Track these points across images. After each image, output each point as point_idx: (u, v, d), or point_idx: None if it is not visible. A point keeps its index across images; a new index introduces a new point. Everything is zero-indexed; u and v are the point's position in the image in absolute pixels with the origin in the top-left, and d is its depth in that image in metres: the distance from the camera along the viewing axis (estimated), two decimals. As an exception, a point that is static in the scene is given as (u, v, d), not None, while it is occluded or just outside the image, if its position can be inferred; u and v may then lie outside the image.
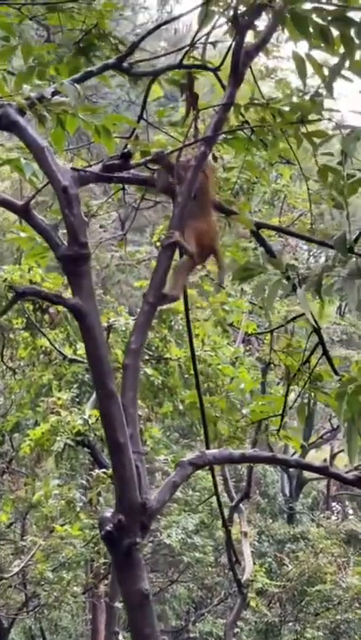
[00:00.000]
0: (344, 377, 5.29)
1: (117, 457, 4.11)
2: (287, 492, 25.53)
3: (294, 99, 4.64)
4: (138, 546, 4.09)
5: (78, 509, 14.51)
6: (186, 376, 13.17)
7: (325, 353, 5.73)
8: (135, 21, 24.86)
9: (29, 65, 4.74)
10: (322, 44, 4.30)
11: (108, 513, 4.19)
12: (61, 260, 4.12)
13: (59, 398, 13.55)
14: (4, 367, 14.67)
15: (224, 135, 4.91)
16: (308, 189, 5.32)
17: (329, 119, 4.50)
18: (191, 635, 22.15)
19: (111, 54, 5.19)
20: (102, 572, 17.58)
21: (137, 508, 4.09)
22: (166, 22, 5.77)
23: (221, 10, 4.44)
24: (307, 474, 23.44)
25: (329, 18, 4.23)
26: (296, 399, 6.42)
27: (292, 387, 8.23)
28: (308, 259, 23.51)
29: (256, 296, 4.68)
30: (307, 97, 4.55)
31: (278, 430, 6.77)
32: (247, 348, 19.36)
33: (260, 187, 13.96)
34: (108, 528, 4.10)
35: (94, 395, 13.95)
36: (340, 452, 24.91)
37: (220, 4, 4.45)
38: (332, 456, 25.62)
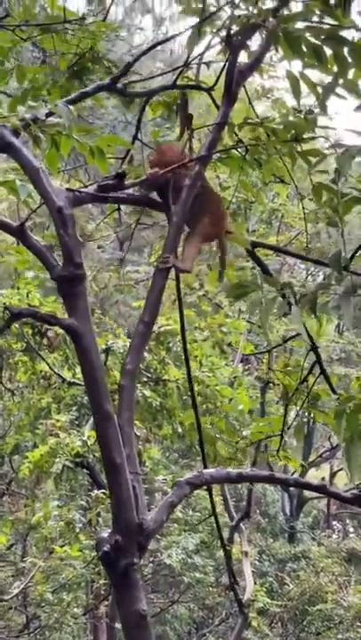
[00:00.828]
0: (342, 395, 5.29)
1: (114, 477, 4.12)
2: (288, 511, 25.47)
3: (290, 118, 4.65)
4: (135, 566, 4.09)
5: (78, 530, 14.49)
6: (184, 397, 13.17)
7: (323, 372, 5.72)
8: (131, 42, 24.99)
9: (24, 88, 4.77)
10: (315, 63, 4.31)
11: (106, 534, 4.18)
12: (57, 281, 4.13)
13: (58, 420, 13.57)
14: (3, 389, 14.68)
15: (219, 154, 4.93)
16: (304, 208, 5.33)
17: (324, 137, 4.52)
18: (193, 656, 22.07)
19: (105, 77, 5.21)
20: (103, 592, 17.50)
21: (134, 529, 4.09)
22: (159, 43, 5.77)
23: (214, 30, 4.46)
24: (307, 493, 23.37)
25: (322, 37, 4.25)
26: (295, 418, 6.41)
27: (290, 406, 8.22)
28: (305, 277, 23.54)
29: (251, 313, 4.69)
30: (301, 115, 4.57)
31: (278, 450, 6.75)
32: (246, 367, 19.37)
33: (257, 206, 14.03)
34: (105, 549, 4.10)
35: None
36: (339, 470, 24.88)
37: (214, 24, 4.47)
38: (332, 475, 25.59)
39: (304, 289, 4.74)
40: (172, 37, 5.00)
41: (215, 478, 4.85)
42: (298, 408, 6.34)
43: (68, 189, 4.22)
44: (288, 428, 6.55)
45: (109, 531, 4.15)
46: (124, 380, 4.28)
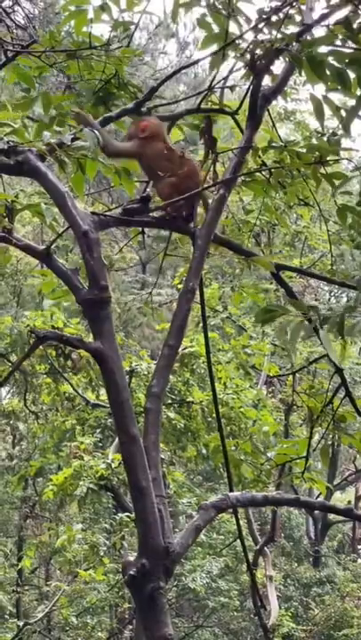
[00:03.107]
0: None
1: (140, 501, 4.09)
2: (312, 534, 25.29)
3: (314, 140, 4.66)
4: (161, 590, 4.06)
5: (102, 554, 14.45)
6: (209, 419, 13.16)
7: (348, 394, 5.69)
8: (155, 66, 25.15)
9: (50, 115, 4.79)
10: (338, 87, 4.32)
11: (132, 557, 4.17)
12: (82, 304, 4.13)
13: (82, 443, 13.57)
14: (28, 412, 14.71)
15: (243, 178, 4.94)
16: (328, 231, 5.32)
17: (348, 159, 4.53)
18: None
19: (129, 102, 5.24)
20: (127, 616, 17.47)
21: (160, 553, 4.06)
22: (183, 68, 5.81)
23: (238, 54, 4.48)
24: (332, 516, 23.22)
25: (346, 61, 4.26)
26: (320, 441, 6.37)
27: (315, 428, 8.16)
28: (328, 299, 23.48)
29: (279, 338, 4.67)
30: (325, 138, 4.58)
31: (303, 473, 6.70)
32: (270, 389, 19.32)
33: (280, 229, 14.05)
34: (131, 572, 4.07)
35: (117, 439, 13.95)
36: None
37: (237, 47, 4.49)
38: (358, 497, 25.41)
39: (330, 311, 4.74)
40: (196, 62, 5.02)
41: (241, 502, 4.81)
42: (323, 430, 6.31)
43: (93, 213, 4.23)
44: (313, 451, 6.51)
45: (135, 555, 4.13)
46: (149, 402, 4.27)
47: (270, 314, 4.50)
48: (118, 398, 4.11)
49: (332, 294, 23.90)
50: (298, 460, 6.60)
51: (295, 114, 15.10)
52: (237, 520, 6.08)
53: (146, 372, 12.74)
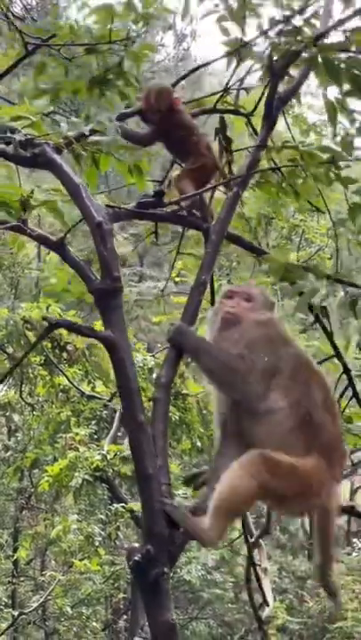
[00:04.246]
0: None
1: (145, 487, 4.16)
2: (308, 527, 25.30)
3: (326, 141, 4.74)
4: (165, 576, 4.12)
5: (97, 544, 14.52)
6: (204, 412, 13.20)
7: (355, 395, 5.67)
8: (153, 59, 25.13)
9: (43, 87, 4.82)
10: (353, 91, 4.38)
11: (137, 544, 4.23)
12: (94, 294, 4.19)
13: (77, 434, 13.61)
14: (23, 403, 14.75)
15: (256, 180, 4.99)
16: (334, 224, 5.32)
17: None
18: (212, 673, 21.98)
19: (129, 91, 5.26)
20: (122, 607, 17.52)
21: (165, 539, 4.12)
22: (199, 67, 5.80)
23: (254, 56, 4.54)
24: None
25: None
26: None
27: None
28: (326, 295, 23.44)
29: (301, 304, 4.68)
30: (338, 139, 4.63)
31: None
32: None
33: (277, 222, 14.08)
34: (136, 558, 4.13)
35: (113, 430, 14.02)
36: (360, 487, 24.76)
37: (252, 50, 4.55)
38: (353, 492, 25.46)
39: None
40: (210, 63, 5.06)
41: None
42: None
43: (107, 205, 4.29)
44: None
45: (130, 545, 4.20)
46: (158, 392, 4.33)
47: (290, 274, 4.52)
48: (128, 387, 4.18)
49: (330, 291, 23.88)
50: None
51: (294, 107, 15.11)
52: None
53: (142, 365, 12.76)
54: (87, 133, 4.27)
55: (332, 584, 4.31)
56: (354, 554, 25.36)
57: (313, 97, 9.36)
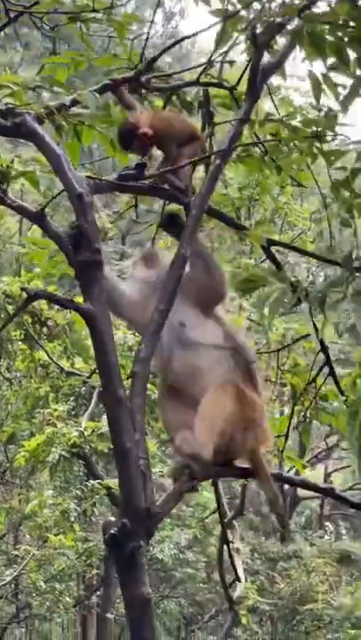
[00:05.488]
0: (349, 396, 5.32)
1: (123, 462, 4.15)
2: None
3: (310, 115, 4.70)
4: (141, 550, 4.12)
5: (73, 519, 14.54)
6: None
7: (332, 372, 5.70)
8: (141, 35, 24.91)
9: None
10: (338, 66, 4.35)
11: (113, 518, 4.24)
12: (74, 266, 4.17)
13: (55, 410, 13.60)
14: (2, 378, 14.71)
15: (238, 154, 4.96)
16: (326, 205, 5.30)
17: (343, 135, 4.57)
18: (182, 651, 22.15)
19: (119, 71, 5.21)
20: (94, 583, 17.59)
21: (142, 513, 4.11)
22: (184, 38, 5.78)
23: (239, 28, 4.50)
24: (301, 492, 23.40)
25: (346, 39, 4.29)
26: (302, 419, 6.41)
27: (287, 405, 8.17)
28: (307, 277, 23.52)
29: (258, 309, 4.72)
30: (322, 114, 4.61)
31: (282, 450, 6.71)
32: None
33: (260, 204, 14.05)
34: (112, 532, 4.13)
35: (91, 407, 14.02)
36: (334, 471, 24.93)
37: (237, 22, 4.51)
38: (327, 475, 25.61)
39: (313, 286, 4.80)
40: (196, 34, 5.02)
41: (223, 471, 4.89)
42: (305, 408, 6.36)
43: (88, 177, 4.26)
44: (294, 429, 6.54)
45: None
46: (137, 366, 4.31)
47: (252, 283, 4.55)
48: (107, 360, 4.16)
49: (310, 272, 23.97)
50: (278, 438, 6.62)
51: (280, 89, 15.07)
52: (217, 490, 6.13)
53: (122, 342, 12.74)
54: (68, 104, 4.23)
55: (281, 509, 4.98)
56: (326, 537, 25.55)
57: (299, 80, 9.33)
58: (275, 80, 5.26)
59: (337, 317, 4.74)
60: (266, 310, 4.59)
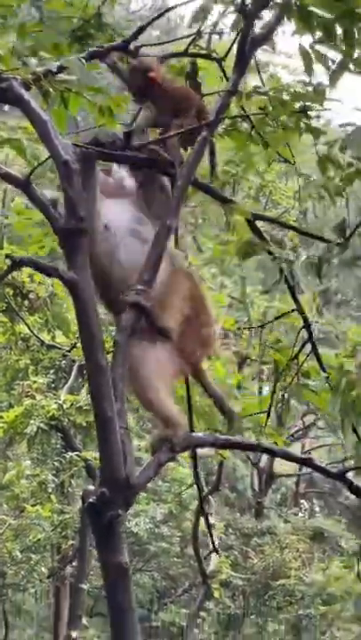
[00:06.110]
0: (331, 374, 5.35)
1: (104, 431, 4.14)
2: (256, 486, 25.59)
3: (297, 89, 4.70)
4: (120, 519, 4.14)
5: (50, 491, 14.58)
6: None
7: (314, 349, 5.72)
8: (128, 8, 24.83)
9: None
10: (326, 40, 4.35)
11: (92, 487, 4.25)
12: (59, 234, 4.15)
13: (34, 382, 13.62)
14: (-20, 350, 14.70)
15: (225, 127, 4.95)
16: (313, 184, 5.31)
17: (330, 109, 4.58)
18: (154, 624, 22.25)
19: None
20: (69, 555, 17.64)
21: (121, 483, 4.12)
22: (170, 9, 5.78)
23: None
24: (277, 469, 23.53)
25: (335, 15, 4.28)
26: (282, 397, 6.43)
27: (266, 383, 8.15)
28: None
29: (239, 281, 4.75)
30: (309, 88, 4.61)
31: (264, 426, 6.74)
32: (224, 342, 19.40)
33: (244, 182, 14.05)
34: (90, 500, 4.15)
35: (70, 380, 14.04)
36: (313, 448, 25.02)
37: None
38: (304, 453, 25.73)
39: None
40: (181, 4, 5.01)
41: (203, 441, 4.91)
42: (286, 386, 6.37)
43: (74, 144, 4.23)
44: (277, 405, 6.56)
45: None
46: (119, 336, 4.32)
47: (252, 248, 4.55)
48: (89, 329, 4.15)
49: (293, 249, 23.96)
50: (260, 415, 6.65)
51: (268, 66, 15.09)
52: (195, 462, 6.16)
53: (104, 315, 12.74)
54: (54, 70, 4.20)
55: (230, 411, 4.97)
56: (300, 514, 25.71)
57: (287, 57, 9.32)
58: (263, 56, 5.24)
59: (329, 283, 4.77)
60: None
